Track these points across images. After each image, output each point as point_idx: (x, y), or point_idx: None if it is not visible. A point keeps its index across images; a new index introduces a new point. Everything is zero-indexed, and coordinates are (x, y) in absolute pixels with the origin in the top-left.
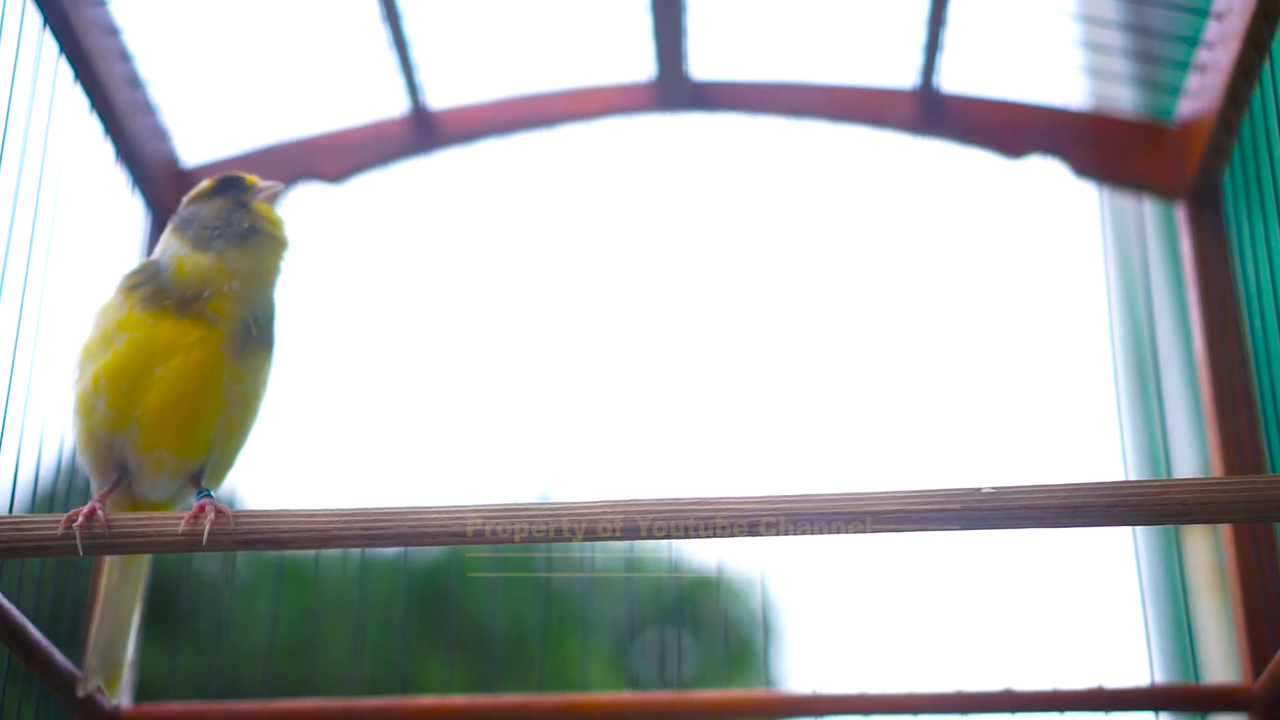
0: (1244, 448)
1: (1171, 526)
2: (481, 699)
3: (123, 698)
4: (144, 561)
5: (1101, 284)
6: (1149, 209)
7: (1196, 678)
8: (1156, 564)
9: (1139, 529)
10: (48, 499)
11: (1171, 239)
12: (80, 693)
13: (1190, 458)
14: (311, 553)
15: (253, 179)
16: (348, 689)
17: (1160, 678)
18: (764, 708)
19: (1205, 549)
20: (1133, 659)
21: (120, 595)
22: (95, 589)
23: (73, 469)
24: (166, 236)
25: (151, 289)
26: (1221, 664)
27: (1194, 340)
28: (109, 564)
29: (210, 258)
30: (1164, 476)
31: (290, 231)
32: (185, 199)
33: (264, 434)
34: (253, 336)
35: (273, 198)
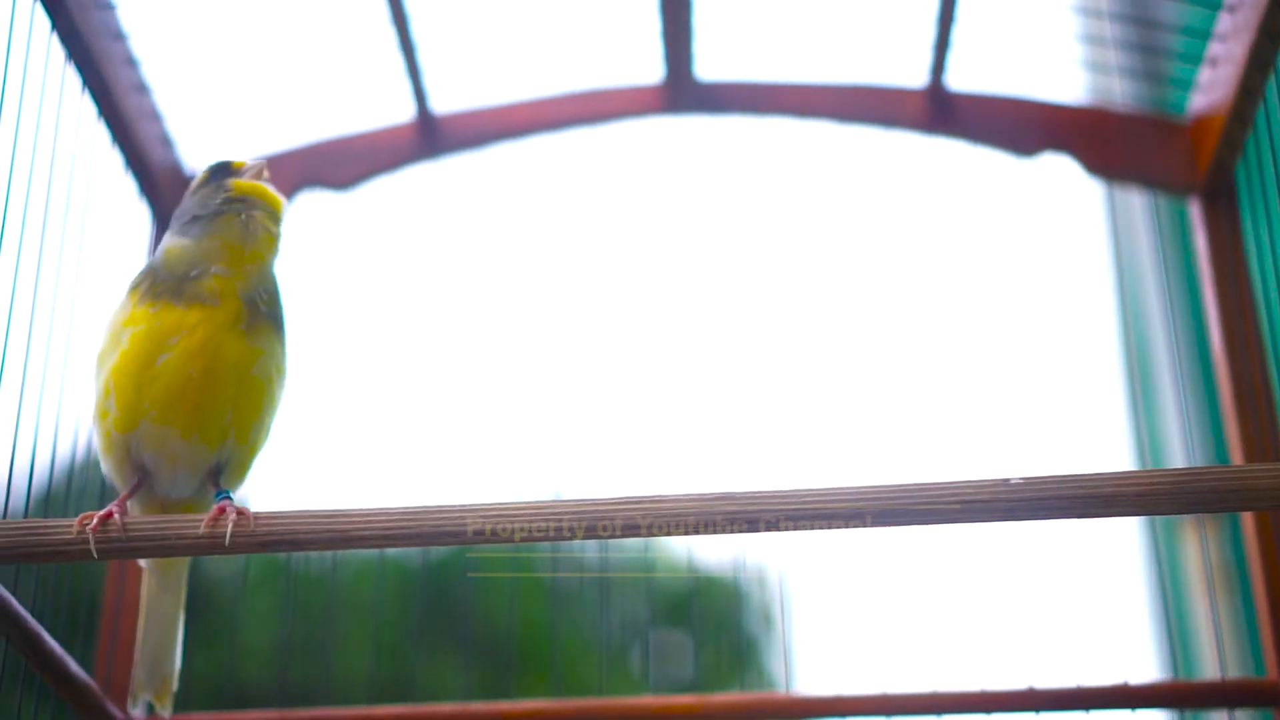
0: (1264, 439)
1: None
2: (500, 705)
3: (138, 710)
4: (181, 571)
5: (1113, 279)
6: (1161, 204)
7: (1223, 673)
8: (1178, 560)
9: (1159, 524)
10: (61, 503)
11: (1184, 234)
12: (131, 707)
13: (1201, 451)
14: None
15: (240, 162)
16: (354, 690)
17: (1184, 674)
18: (785, 709)
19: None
20: (1156, 655)
21: (161, 606)
22: (111, 597)
23: (86, 472)
24: (166, 234)
25: (150, 283)
26: (1240, 660)
27: (1211, 334)
28: (146, 576)
29: (190, 241)
30: None
31: (269, 200)
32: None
33: (274, 435)
34: (260, 314)
35: (257, 175)
